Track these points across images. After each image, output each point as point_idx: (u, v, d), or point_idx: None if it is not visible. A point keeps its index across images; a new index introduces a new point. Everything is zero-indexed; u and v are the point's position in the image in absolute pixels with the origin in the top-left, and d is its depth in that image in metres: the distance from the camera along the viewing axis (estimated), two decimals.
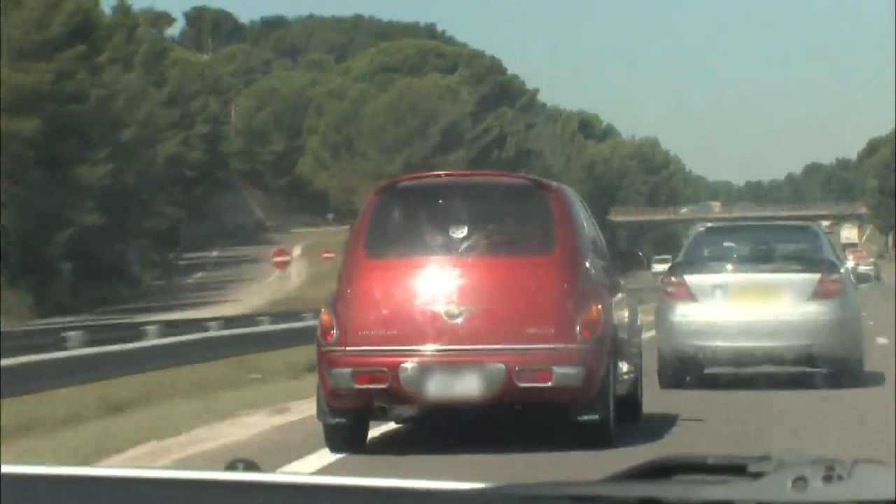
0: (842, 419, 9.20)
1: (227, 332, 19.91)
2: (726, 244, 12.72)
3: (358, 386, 7.72)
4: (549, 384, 7.57)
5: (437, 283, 7.78)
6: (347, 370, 7.74)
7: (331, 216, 71.33)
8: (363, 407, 7.83)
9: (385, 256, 7.99)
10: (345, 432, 7.91)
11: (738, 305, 11.65)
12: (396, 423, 8.51)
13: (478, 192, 8.27)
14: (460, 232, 7.89)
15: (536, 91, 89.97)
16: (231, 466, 1.68)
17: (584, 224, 8.34)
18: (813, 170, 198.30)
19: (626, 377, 8.35)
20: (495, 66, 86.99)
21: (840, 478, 1.32)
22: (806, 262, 12.02)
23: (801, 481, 1.32)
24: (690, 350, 11.67)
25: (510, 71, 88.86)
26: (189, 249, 71.17)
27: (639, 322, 9.39)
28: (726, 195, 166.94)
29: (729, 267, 11.96)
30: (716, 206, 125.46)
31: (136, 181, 50.89)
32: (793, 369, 11.88)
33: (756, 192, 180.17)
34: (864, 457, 1.33)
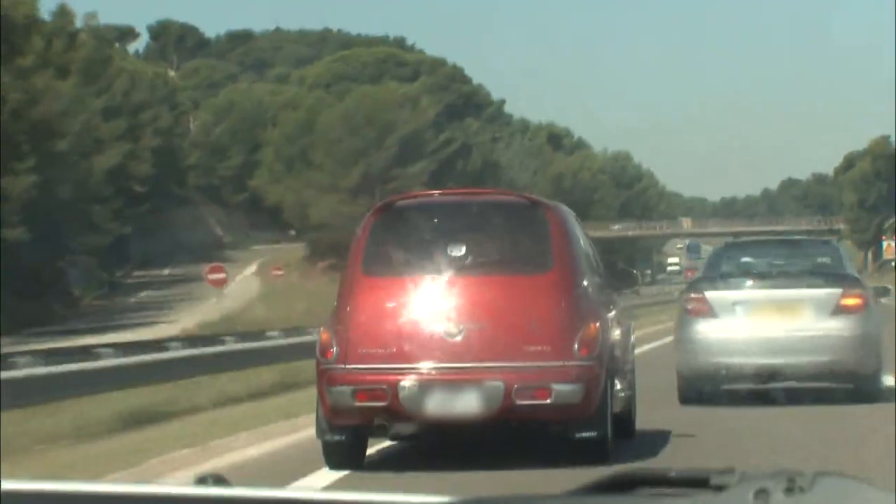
0: (847, 435, 9.59)
1: (116, 362, 16.49)
2: (746, 259, 12.99)
3: (358, 403, 8.16)
4: (548, 401, 8.03)
5: (436, 302, 8.24)
6: (347, 388, 8.18)
7: (293, 232, 71.27)
8: (362, 424, 8.28)
9: (383, 275, 8.44)
10: (343, 449, 8.34)
11: (759, 321, 11.90)
12: (395, 440, 8.95)
13: (475, 211, 8.75)
14: (458, 250, 8.37)
15: (503, 102, 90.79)
16: (201, 481, 1.75)
17: (581, 241, 8.85)
18: (789, 185, 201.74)
19: (621, 394, 8.86)
20: (458, 75, 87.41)
21: (801, 490, 1.38)
22: (828, 277, 12.25)
23: (763, 494, 1.38)
24: (711, 367, 11.91)
25: (476, 81, 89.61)
26: (141, 266, 70.99)
27: (632, 339, 9.91)
28: (701, 211, 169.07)
29: (750, 282, 12.20)
30: (686, 221, 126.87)
31: (72, 194, 49.77)
32: (814, 385, 12.12)
33: (731, 209, 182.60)
34: (825, 469, 1.41)
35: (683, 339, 12.27)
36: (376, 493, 1.56)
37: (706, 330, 12.01)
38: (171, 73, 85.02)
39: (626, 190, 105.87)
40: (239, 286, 61.22)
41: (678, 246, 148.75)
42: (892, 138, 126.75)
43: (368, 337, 8.26)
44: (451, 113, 79.94)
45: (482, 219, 8.63)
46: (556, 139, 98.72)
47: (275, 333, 27.18)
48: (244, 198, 73.53)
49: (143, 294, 63.37)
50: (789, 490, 1.37)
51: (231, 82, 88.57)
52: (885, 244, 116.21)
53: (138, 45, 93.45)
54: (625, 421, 9.07)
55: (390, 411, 8.16)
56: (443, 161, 74.44)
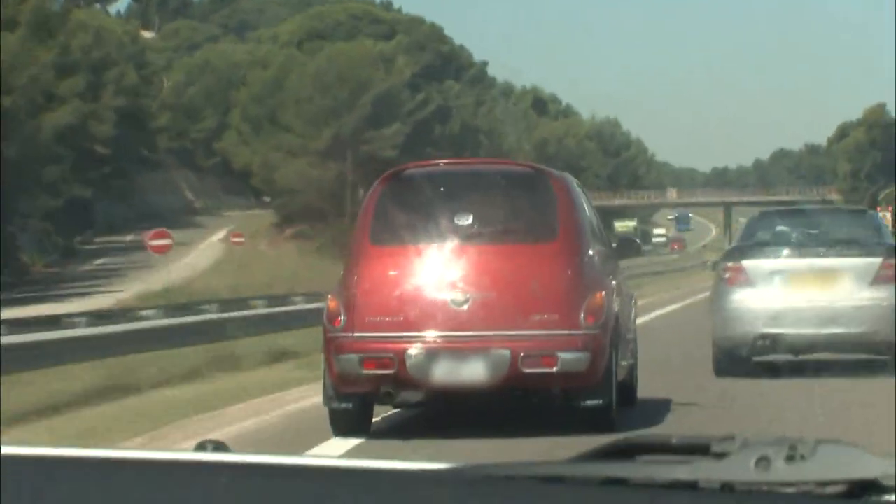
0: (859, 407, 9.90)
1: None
2: (782, 228, 13.18)
3: (365, 371, 8.64)
4: (554, 369, 8.52)
5: (443, 270, 8.71)
6: (355, 356, 8.66)
7: (267, 198, 71.24)
8: (369, 392, 8.77)
9: (391, 243, 8.91)
10: (350, 417, 8.82)
11: (797, 291, 12.20)
12: (401, 408, 9.46)
13: (481, 180, 9.23)
14: (465, 219, 8.84)
15: (485, 64, 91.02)
16: (200, 447, 1.83)
17: (586, 210, 9.35)
18: (781, 156, 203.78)
19: (623, 362, 9.38)
20: (436, 35, 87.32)
21: (802, 458, 1.44)
22: (866, 246, 12.49)
23: (764, 461, 1.44)
24: (748, 337, 12.18)
25: (458, 42, 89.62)
26: (106, 232, 70.88)
27: (634, 309, 10.44)
28: (691, 182, 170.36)
29: (788, 251, 12.47)
30: (672, 192, 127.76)
31: (18, 153, 48.31)
32: (851, 357, 12.44)
33: (722, 179, 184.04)
34: (827, 437, 1.48)
35: (720, 309, 12.49)
36: (374, 460, 1.67)
37: (743, 299, 12.26)
38: (149, 34, 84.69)
39: (613, 158, 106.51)
40: (200, 254, 60.96)
41: (669, 217, 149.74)
42: (889, 106, 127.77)
43: (375, 305, 8.72)
44: (429, 74, 79.86)
45: (489, 188, 9.10)
46: (542, 104, 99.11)
47: (211, 307, 26.85)
48: (217, 162, 73.42)
49: (101, 261, 62.72)
50: (790, 457, 1.44)
51: (212, 44, 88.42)
52: (880, 215, 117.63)
53: (120, 5, 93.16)
54: (627, 389, 9.59)
55: (397, 379, 8.62)
56: (419, 123, 74.07)
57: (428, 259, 8.79)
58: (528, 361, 8.54)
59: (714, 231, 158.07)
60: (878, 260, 12.28)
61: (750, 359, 12.41)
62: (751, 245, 12.83)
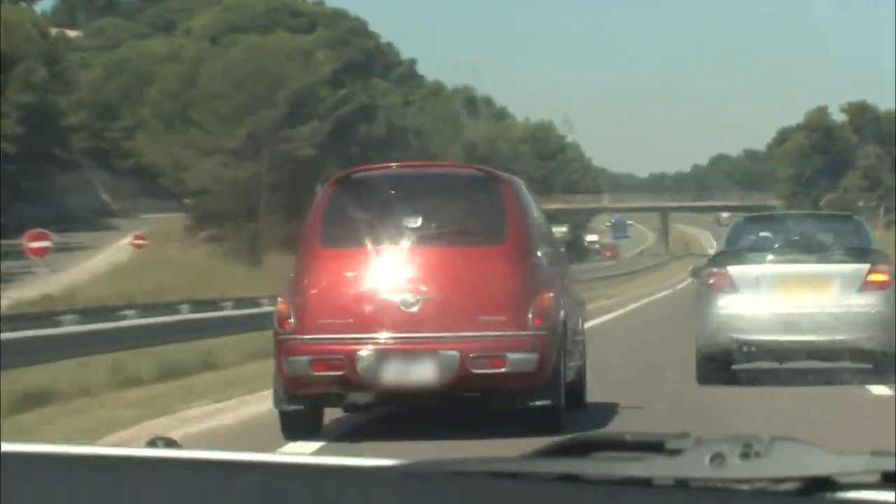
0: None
1: None
2: (767, 234, 13.42)
3: (315, 373, 9.12)
4: (503, 370, 9.04)
5: (392, 272, 9.21)
6: (305, 358, 9.14)
7: (187, 200, 70.85)
8: (320, 394, 9.25)
9: (340, 245, 9.39)
10: (301, 419, 9.30)
11: (783, 297, 12.43)
12: (351, 410, 9.95)
13: (431, 183, 9.76)
14: (414, 222, 9.36)
15: (414, 62, 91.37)
16: (151, 444, 1.91)
17: (534, 213, 9.92)
18: (720, 161, 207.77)
19: (573, 364, 9.96)
20: (360, 29, 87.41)
21: (757, 454, 1.48)
22: (854, 252, 12.69)
23: (718, 458, 1.49)
24: (732, 344, 12.38)
25: (385, 38, 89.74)
26: (15, 234, 70.22)
27: (582, 310, 11.03)
28: (629, 187, 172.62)
29: (774, 257, 12.68)
30: (607, 197, 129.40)
31: None
32: (830, 364, 12.59)
33: (660, 184, 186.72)
34: (782, 434, 1.52)
35: (703, 315, 12.71)
36: (326, 456, 1.77)
37: (728, 305, 12.48)
38: (74, 33, 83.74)
39: (548, 161, 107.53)
40: (104, 258, 60.36)
41: (606, 224, 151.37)
42: (831, 110, 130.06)
43: (325, 307, 9.20)
44: (353, 71, 79.89)
45: (438, 191, 9.62)
46: (473, 104, 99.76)
47: (73, 318, 23.76)
48: (134, 162, 72.98)
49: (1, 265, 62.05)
50: (745, 454, 1.49)
51: (134, 41, 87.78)
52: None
53: (46, 4, 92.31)
54: (575, 391, 10.17)
55: (347, 381, 9.10)
56: (341, 122, 73.78)
57: (378, 261, 9.28)
58: (477, 362, 9.05)
59: (651, 238, 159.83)
60: (865, 266, 12.49)
61: (737, 365, 12.67)
62: (736, 250, 13.05)
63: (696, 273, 14.78)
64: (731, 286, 12.62)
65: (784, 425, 9.76)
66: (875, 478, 1.50)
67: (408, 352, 9.11)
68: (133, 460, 1.80)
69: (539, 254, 9.59)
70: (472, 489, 1.56)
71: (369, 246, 9.35)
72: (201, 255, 63.57)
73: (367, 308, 9.17)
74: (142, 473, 1.67)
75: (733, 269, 12.68)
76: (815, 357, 12.69)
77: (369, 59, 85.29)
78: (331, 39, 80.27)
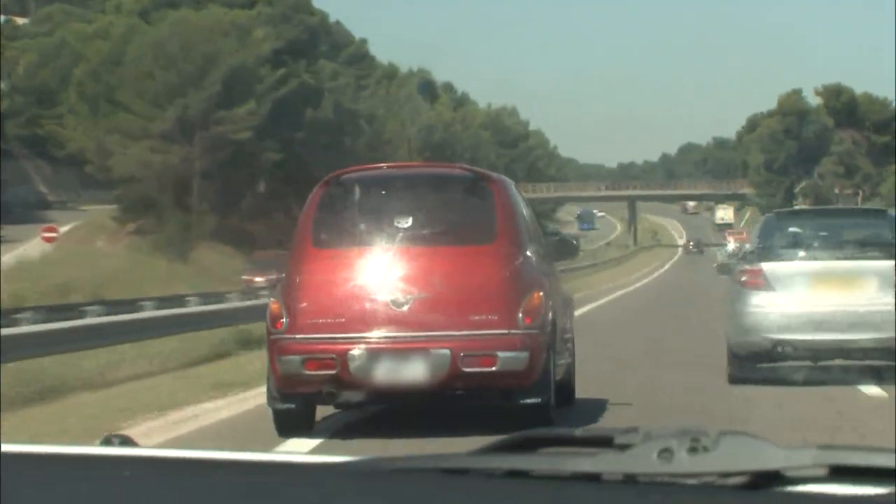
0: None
1: None
2: (801, 230, 13.73)
3: (308, 372, 9.85)
4: (494, 369, 9.77)
5: (384, 272, 9.93)
6: (297, 357, 9.87)
7: (119, 190, 70.09)
8: (312, 392, 10.00)
9: (332, 246, 10.12)
10: (293, 417, 10.05)
11: (819, 295, 12.81)
12: (343, 408, 10.72)
13: (422, 183, 10.50)
14: (405, 222, 10.10)
15: (365, 42, 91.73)
16: (106, 441, 1.98)
17: (524, 213, 10.70)
18: (689, 150, 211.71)
19: (562, 361, 10.76)
20: (303, 5, 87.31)
21: (705, 449, 1.57)
22: (890, 248, 13.01)
23: (666, 452, 1.57)
24: (767, 343, 12.77)
25: (334, 17, 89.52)
26: None
27: (571, 308, 11.83)
28: (598, 177, 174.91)
29: (809, 254, 13.05)
30: (572, 186, 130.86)
31: None
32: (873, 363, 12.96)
33: (628, 174, 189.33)
34: (730, 428, 1.61)
35: (736, 313, 13.04)
36: (276, 453, 2.11)
37: (762, 303, 12.86)
38: (23, 21, 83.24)
39: (510, 149, 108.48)
40: (23, 252, 59.69)
41: (574, 216, 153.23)
42: (806, 93, 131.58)
43: (317, 307, 9.93)
44: (296, 50, 79.78)
45: (428, 191, 10.36)
46: (430, 88, 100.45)
47: None
48: (74, 150, 72.57)
49: None
50: (693, 449, 1.57)
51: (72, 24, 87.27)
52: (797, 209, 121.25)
53: None
54: (565, 388, 10.96)
55: (340, 380, 9.82)
56: (282, 104, 72.70)
57: (369, 261, 10.02)
58: (468, 361, 9.79)
59: (619, 228, 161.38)
60: None
61: (769, 365, 13.02)
62: (769, 247, 13.35)
63: (722, 269, 15.03)
64: (766, 284, 12.93)
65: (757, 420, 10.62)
66: (823, 472, 1.57)
67: (399, 351, 9.83)
68: (88, 458, 1.90)
69: (529, 253, 10.35)
70: (422, 485, 1.65)
71: (360, 246, 10.08)
72: (123, 249, 62.64)
73: (359, 308, 9.90)
74: (95, 471, 1.77)
75: (767, 267, 13.00)
76: (854, 357, 13.02)
77: (314, 38, 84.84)
78: (271, 16, 79.47)
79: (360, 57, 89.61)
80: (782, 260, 13.15)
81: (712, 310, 30.16)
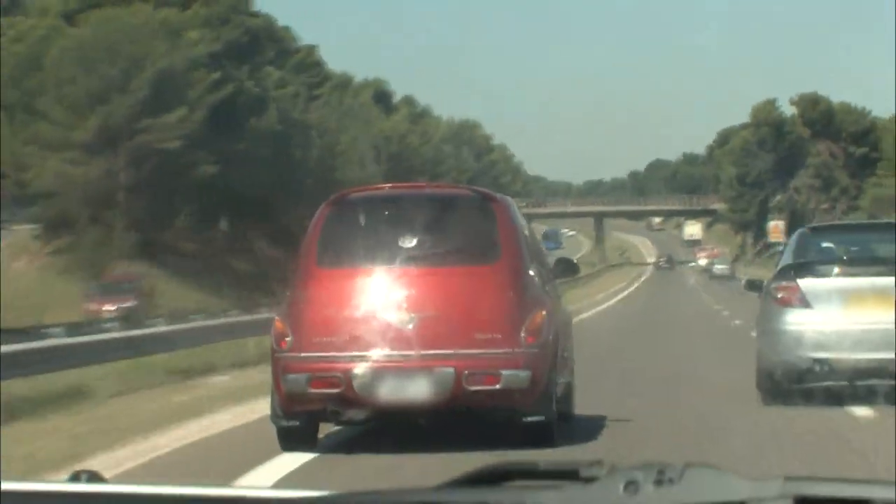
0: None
1: None
2: (835, 245, 14.23)
3: (312, 390, 10.69)
4: (497, 387, 10.61)
5: (388, 292, 10.78)
6: (302, 375, 10.71)
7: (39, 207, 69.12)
8: (317, 410, 10.83)
9: (337, 266, 10.98)
10: (297, 433, 10.89)
11: (858, 312, 13.20)
12: (348, 426, 11.56)
13: (425, 204, 11.36)
14: (410, 242, 10.97)
15: (313, 48, 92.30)
16: (74, 477, 2.09)
17: (526, 232, 11.59)
18: (658, 166, 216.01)
19: (562, 380, 11.65)
20: (242, 5, 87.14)
21: (671, 481, 1.70)
22: None
23: (632, 485, 1.70)
24: (804, 363, 13.11)
25: (284, 22, 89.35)
26: None
27: (570, 327, 12.73)
28: (566, 195, 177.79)
29: (846, 270, 13.43)
30: (538, 202, 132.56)
31: None
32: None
33: (597, 191, 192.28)
34: (695, 461, 1.74)
35: (771, 332, 13.42)
36: (249, 488, 2.18)
37: (799, 321, 13.22)
38: None
39: (473, 162, 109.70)
40: None
41: (540, 234, 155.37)
42: (780, 102, 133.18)
43: (322, 326, 10.77)
44: (238, 55, 79.64)
45: (432, 211, 11.21)
46: (386, 98, 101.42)
47: None
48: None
49: None
50: (659, 482, 1.68)
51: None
52: (770, 224, 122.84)
53: None
54: (564, 405, 11.85)
55: (344, 398, 10.67)
56: (221, 112, 71.86)
57: (373, 281, 10.87)
58: (472, 379, 10.63)
59: (587, 246, 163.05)
60: None
61: (808, 385, 13.34)
62: (805, 263, 13.76)
63: (751, 286, 15.42)
64: (802, 301, 13.37)
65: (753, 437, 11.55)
66: (788, 503, 1.67)
67: (404, 369, 10.67)
68: (54, 495, 2.00)
69: (531, 272, 11.23)
70: None
71: (365, 266, 10.94)
72: (35, 270, 61.45)
73: (364, 327, 10.74)
74: None
75: (804, 283, 13.41)
76: (889, 376, 13.30)
77: (256, 42, 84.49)
78: (208, 17, 78.86)
79: (310, 65, 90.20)
80: (820, 276, 13.49)
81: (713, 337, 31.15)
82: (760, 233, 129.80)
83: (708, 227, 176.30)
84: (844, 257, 13.93)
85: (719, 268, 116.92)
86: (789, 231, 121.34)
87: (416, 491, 1.86)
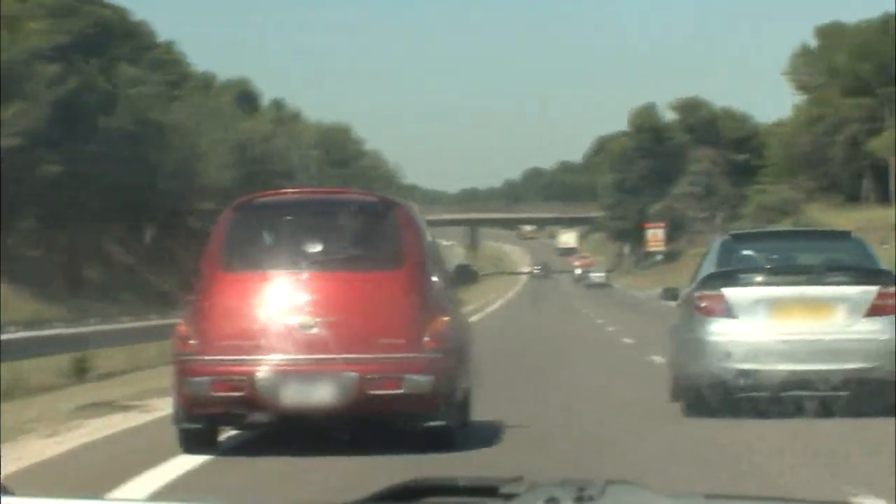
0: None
1: None
2: (760, 253, 14.43)
3: (215, 393, 11.35)
4: (399, 391, 11.33)
5: (292, 296, 11.48)
6: (205, 378, 11.37)
7: None
8: (219, 413, 11.50)
9: (241, 270, 11.65)
10: (199, 436, 11.54)
11: (784, 323, 13.43)
12: (249, 429, 12.23)
13: (330, 209, 12.11)
14: (314, 247, 11.69)
15: (171, 44, 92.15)
16: None
17: (428, 239, 12.36)
18: (533, 175, 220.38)
19: (463, 386, 12.44)
20: None
21: (591, 498, 1.78)
22: (859, 273, 13.72)
23: (552, 502, 1.78)
24: (728, 374, 13.33)
25: (141, 16, 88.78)
26: None
27: (470, 334, 13.54)
28: (441, 203, 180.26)
29: (773, 278, 13.59)
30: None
31: None
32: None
33: (472, 199, 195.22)
34: (616, 478, 1.83)
35: (692, 342, 13.66)
36: (153, 502, 2.82)
37: (723, 332, 13.44)
38: None
39: (342, 168, 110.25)
40: None
41: None
42: (659, 107, 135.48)
43: (226, 329, 11.45)
44: (86, 49, 78.98)
45: (337, 217, 11.94)
46: (250, 99, 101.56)
47: None
48: None
49: None
50: (579, 499, 1.78)
51: None
52: (649, 233, 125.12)
53: None
54: (463, 410, 12.66)
55: (247, 401, 11.34)
56: (67, 109, 70.55)
57: (278, 285, 11.57)
58: (375, 384, 11.36)
59: (460, 255, 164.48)
60: (873, 289, 13.53)
61: (730, 397, 13.51)
62: (729, 272, 13.95)
63: (668, 295, 16.04)
64: (727, 310, 13.63)
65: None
66: None
67: (307, 373, 11.38)
68: None
69: (434, 279, 12.02)
70: None
71: (269, 270, 11.63)
72: None
73: (267, 331, 11.43)
74: None
75: (729, 292, 13.63)
76: (820, 388, 13.52)
77: (106, 35, 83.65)
78: (52, 7, 77.77)
79: (168, 62, 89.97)
80: (745, 285, 13.68)
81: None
82: (639, 241, 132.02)
83: (584, 235, 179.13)
84: (769, 266, 14.13)
85: (595, 276, 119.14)
86: (668, 240, 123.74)
87: None
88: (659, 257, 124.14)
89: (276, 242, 11.83)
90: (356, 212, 12.15)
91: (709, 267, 14.50)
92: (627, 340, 33.66)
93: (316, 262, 11.67)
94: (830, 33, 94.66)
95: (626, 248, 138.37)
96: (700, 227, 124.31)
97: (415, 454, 11.42)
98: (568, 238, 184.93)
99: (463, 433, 12.37)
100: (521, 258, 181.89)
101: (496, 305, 77.82)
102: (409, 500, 1.90)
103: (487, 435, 12.61)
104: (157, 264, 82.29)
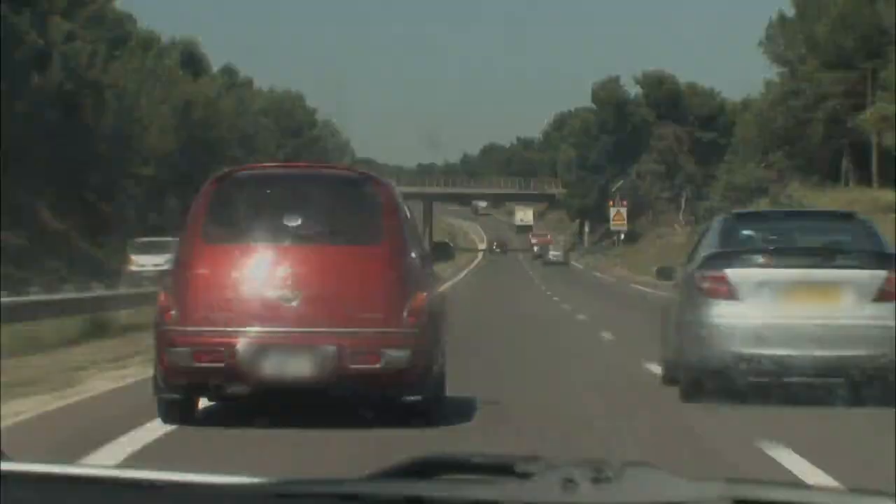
0: None
1: None
2: (765, 234, 14.54)
3: (196, 364, 12.12)
4: (379, 366, 12.10)
5: (273, 269, 12.23)
6: (186, 349, 12.12)
7: None
8: (199, 384, 12.29)
9: (223, 241, 12.41)
10: (178, 406, 12.33)
11: (790, 306, 13.55)
12: (229, 400, 13.02)
13: (311, 183, 12.88)
14: (294, 220, 12.47)
15: (109, 1, 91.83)
16: None
17: (407, 215, 13.18)
18: (491, 151, 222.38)
19: (440, 361, 13.27)
20: None
21: (609, 479, 1.82)
22: (869, 256, 13.84)
23: (570, 483, 1.82)
24: (730, 358, 13.49)
25: None
26: None
27: (447, 310, 14.37)
28: (397, 177, 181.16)
29: (779, 260, 13.67)
30: None
31: None
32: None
33: (428, 174, 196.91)
34: (633, 459, 1.88)
35: (694, 324, 13.77)
36: (164, 472, 2.14)
37: (727, 314, 13.57)
38: None
39: (293, 138, 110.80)
40: None
41: None
42: (623, 81, 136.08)
43: (207, 301, 12.20)
44: (16, 0, 78.58)
45: (317, 191, 12.71)
46: (196, 62, 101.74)
47: None
48: None
49: None
50: (596, 479, 1.83)
51: None
52: (613, 211, 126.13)
53: None
54: (439, 385, 13.49)
55: (227, 372, 12.09)
56: None
57: (259, 258, 12.32)
58: (354, 358, 12.10)
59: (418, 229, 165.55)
60: (882, 273, 13.65)
61: (733, 383, 13.65)
62: (734, 251, 14.11)
63: (665, 274, 16.35)
64: (731, 292, 13.79)
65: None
66: None
67: (287, 346, 12.13)
68: None
69: (413, 255, 12.80)
70: None
71: (250, 243, 12.39)
72: None
73: (249, 302, 12.18)
74: None
75: (732, 273, 13.79)
76: (827, 374, 13.82)
77: None
78: None
79: (107, 19, 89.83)
80: (750, 266, 13.84)
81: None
82: (601, 219, 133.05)
83: (543, 213, 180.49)
84: (774, 247, 14.26)
85: (553, 254, 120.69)
86: (629, 218, 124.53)
87: (345, 481, 2.00)
88: (621, 236, 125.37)
89: (258, 215, 12.58)
90: (338, 187, 12.94)
91: (709, 246, 14.69)
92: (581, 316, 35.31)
93: (297, 235, 12.42)
94: (809, 2, 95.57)
95: (587, 227, 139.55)
96: (663, 207, 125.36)
97: (390, 429, 12.16)
98: (525, 215, 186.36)
99: (439, 408, 13.18)
100: (476, 235, 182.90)
101: (457, 279, 78.54)
102: (422, 475, 2.00)
103: (466, 410, 13.43)
104: (91, 232, 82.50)
